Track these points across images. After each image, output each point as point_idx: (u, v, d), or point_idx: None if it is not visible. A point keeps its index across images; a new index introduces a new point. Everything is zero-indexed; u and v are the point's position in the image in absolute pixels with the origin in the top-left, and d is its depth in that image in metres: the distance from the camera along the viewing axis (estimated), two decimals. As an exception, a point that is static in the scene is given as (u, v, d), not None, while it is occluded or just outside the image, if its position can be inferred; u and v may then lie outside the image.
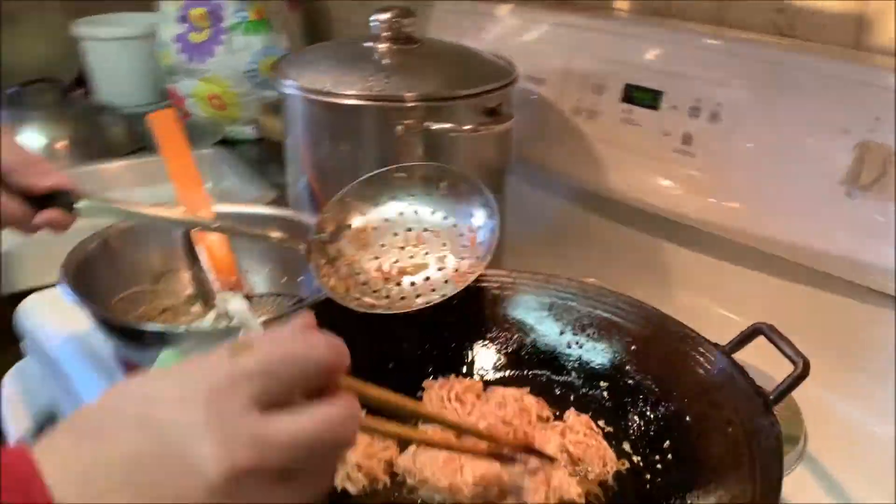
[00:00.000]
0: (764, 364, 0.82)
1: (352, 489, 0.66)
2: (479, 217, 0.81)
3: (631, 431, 0.73)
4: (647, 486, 0.68)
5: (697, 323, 0.94)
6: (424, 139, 0.93)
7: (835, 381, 0.83)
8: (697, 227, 0.98)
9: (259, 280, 0.97)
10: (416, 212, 0.83)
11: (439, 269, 0.80)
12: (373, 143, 0.95)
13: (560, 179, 1.13)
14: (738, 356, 0.77)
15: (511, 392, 0.73)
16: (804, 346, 0.66)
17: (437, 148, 0.94)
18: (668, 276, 1.06)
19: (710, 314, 0.99)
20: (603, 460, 0.69)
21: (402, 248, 0.81)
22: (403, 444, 0.68)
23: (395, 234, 0.82)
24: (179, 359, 0.62)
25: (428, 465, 0.64)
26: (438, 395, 0.72)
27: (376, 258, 0.81)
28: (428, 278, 0.79)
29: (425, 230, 0.82)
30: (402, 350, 0.80)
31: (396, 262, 0.80)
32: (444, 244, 0.81)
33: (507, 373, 0.81)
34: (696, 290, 1.02)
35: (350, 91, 0.91)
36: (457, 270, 0.79)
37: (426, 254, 0.81)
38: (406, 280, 0.79)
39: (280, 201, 1.14)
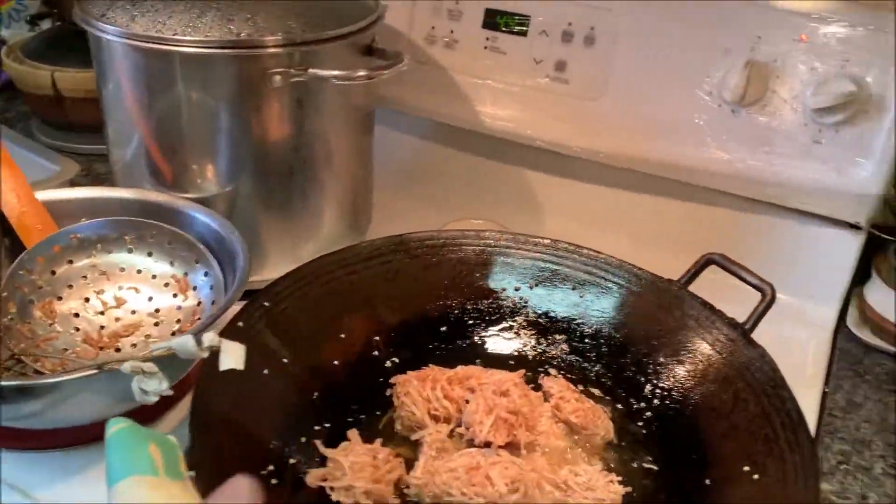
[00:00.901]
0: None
1: None
2: (183, 260, 0.76)
3: (603, 382, 0.72)
4: (647, 427, 0.67)
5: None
6: (296, 89, 0.79)
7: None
8: (575, 154, 0.97)
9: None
10: (102, 273, 0.75)
11: (156, 325, 0.74)
12: (233, 96, 0.78)
13: (423, 117, 1.04)
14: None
15: (499, 375, 0.67)
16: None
17: (308, 98, 0.81)
18: (543, 207, 1.04)
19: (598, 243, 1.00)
20: (604, 422, 0.66)
21: (102, 313, 0.74)
22: (409, 461, 0.60)
23: (87, 300, 0.74)
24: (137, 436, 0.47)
25: (448, 480, 0.57)
26: (421, 394, 0.64)
27: (77, 329, 0.72)
28: (149, 336, 0.73)
29: (120, 288, 0.75)
30: (342, 341, 0.69)
31: (102, 328, 0.72)
32: (151, 298, 0.75)
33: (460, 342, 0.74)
34: (577, 218, 1.02)
35: (205, 37, 0.74)
36: (178, 321, 0.73)
37: (133, 312, 0.74)
38: (125, 343, 0.72)
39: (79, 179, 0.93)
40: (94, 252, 0.75)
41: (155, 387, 0.52)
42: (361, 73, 0.77)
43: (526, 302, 0.76)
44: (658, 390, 0.69)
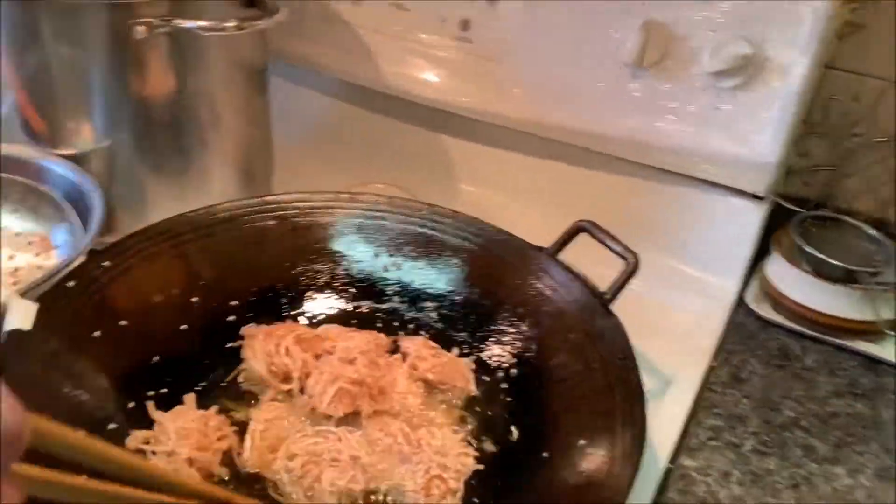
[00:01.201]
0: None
1: None
2: (47, 218, 0.75)
3: (470, 349, 0.70)
4: (507, 396, 0.65)
5: (483, 214, 0.92)
6: (170, 42, 0.76)
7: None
8: (479, 118, 0.94)
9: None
10: None
11: (14, 284, 0.71)
12: (104, 49, 0.75)
13: (326, 75, 1.01)
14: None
15: (356, 339, 0.65)
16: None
17: (185, 52, 0.77)
18: (451, 172, 1.01)
19: (507, 209, 0.97)
20: (461, 372, 0.64)
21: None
22: (242, 429, 0.59)
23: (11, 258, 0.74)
24: None
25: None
26: (264, 348, 0.62)
27: None
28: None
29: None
30: (192, 308, 0.67)
31: None
32: (12, 256, 0.74)
33: (327, 309, 0.72)
34: (484, 184, 0.99)
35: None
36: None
37: None
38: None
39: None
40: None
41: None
42: (230, 23, 0.74)
43: (399, 267, 0.73)
44: (518, 359, 0.67)
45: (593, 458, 0.55)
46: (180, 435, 0.56)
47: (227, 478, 0.56)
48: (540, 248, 0.70)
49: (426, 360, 0.64)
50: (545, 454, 0.58)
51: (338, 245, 0.73)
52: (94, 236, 0.67)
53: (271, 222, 0.72)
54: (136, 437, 0.56)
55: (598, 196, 0.90)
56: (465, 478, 0.57)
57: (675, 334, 0.80)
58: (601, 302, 0.64)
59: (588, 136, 0.88)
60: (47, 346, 0.55)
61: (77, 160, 0.78)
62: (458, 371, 0.64)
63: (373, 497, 0.56)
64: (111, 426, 0.57)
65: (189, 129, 0.82)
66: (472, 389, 0.65)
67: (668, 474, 0.65)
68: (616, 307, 0.64)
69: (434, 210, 0.73)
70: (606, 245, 0.67)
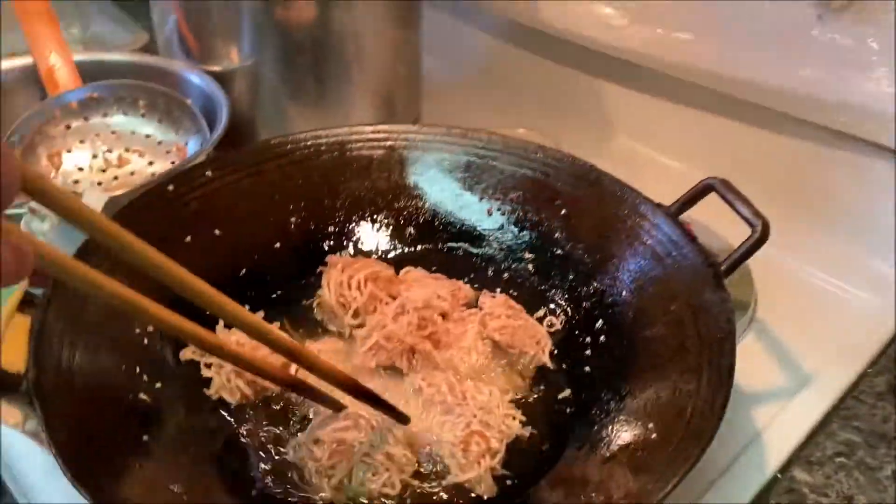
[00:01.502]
0: (719, 224, 0.73)
1: (231, 396, 0.55)
2: (186, 130, 0.77)
3: (560, 311, 0.63)
4: (584, 370, 0.58)
5: (642, 177, 0.83)
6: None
7: (791, 238, 0.73)
8: (643, 63, 0.85)
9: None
10: (113, 132, 0.78)
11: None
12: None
13: (486, 11, 0.96)
14: (691, 215, 0.67)
15: (422, 284, 0.61)
16: (760, 201, 0.56)
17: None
18: (609, 122, 0.93)
19: (657, 166, 0.87)
20: (535, 339, 0.59)
21: (104, 170, 0.76)
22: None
23: (95, 157, 0.77)
24: None
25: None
26: (338, 279, 0.60)
27: (76, 182, 0.75)
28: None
29: (127, 150, 0.77)
30: (289, 228, 0.67)
31: (100, 184, 0.75)
32: (151, 162, 0.77)
33: (419, 247, 0.69)
34: (641, 137, 0.90)
35: None
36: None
37: (132, 174, 0.76)
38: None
39: (151, 47, 0.97)
40: (110, 112, 0.79)
41: (38, 227, 0.53)
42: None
43: (502, 213, 0.68)
44: (610, 326, 0.59)
45: (650, 447, 0.47)
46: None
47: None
48: (659, 205, 0.61)
49: (498, 319, 0.58)
50: (603, 433, 0.51)
51: (442, 182, 0.69)
52: (207, 148, 0.69)
53: (379, 152, 0.69)
54: (190, 348, 0.57)
55: (757, 159, 0.78)
56: (509, 441, 0.52)
57: (826, 326, 0.68)
58: (714, 273, 0.55)
59: (762, 90, 0.75)
60: (148, 231, 0.57)
61: (222, 78, 0.81)
62: (531, 337, 0.58)
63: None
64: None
65: (331, 58, 0.81)
66: (545, 360, 0.58)
67: (772, 485, 0.55)
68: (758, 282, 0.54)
69: (549, 154, 0.67)
70: (734, 208, 0.57)
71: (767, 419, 0.60)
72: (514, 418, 0.53)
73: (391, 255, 0.68)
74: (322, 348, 0.58)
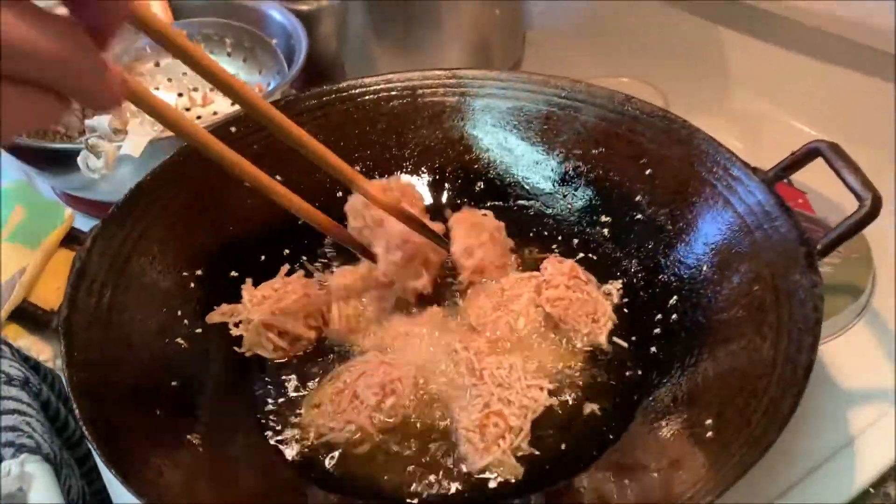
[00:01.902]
0: (832, 189, 0.63)
1: (267, 352, 0.54)
2: (269, 71, 0.77)
3: (634, 282, 0.57)
4: (650, 350, 0.52)
5: (754, 137, 0.75)
6: None
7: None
8: (769, 8, 0.74)
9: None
10: None
11: None
12: None
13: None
14: (806, 181, 0.59)
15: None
16: (882, 169, 0.47)
17: None
18: (725, 75, 0.83)
19: (774, 125, 0.78)
20: (593, 316, 0.53)
21: (188, 109, 0.78)
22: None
23: (180, 95, 0.78)
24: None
25: (316, 418, 0.50)
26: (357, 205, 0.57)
27: None
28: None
29: (211, 89, 0.78)
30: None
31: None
32: (234, 102, 0.71)
33: (488, 203, 0.64)
34: (761, 92, 0.80)
35: None
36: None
37: (214, 113, 0.77)
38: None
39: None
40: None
41: (95, 164, 0.53)
42: None
43: (580, 171, 0.62)
44: (684, 305, 0.53)
45: (709, 441, 0.41)
46: (253, 302, 0.54)
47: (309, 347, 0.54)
48: (755, 169, 0.53)
49: (555, 290, 0.53)
50: (663, 421, 0.45)
51: (519, 135, 0.63)
52: (280, 87, 0.67)
53: (452, 99, 0.65)
54: (218, 311, 0.55)
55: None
56: (535, 415, 0.47)
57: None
58: (807, 252, 0.47)
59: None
60: (195, 181, 0.56)
61: (308, 18, 0.78)
62: (588, 314, 0.53)
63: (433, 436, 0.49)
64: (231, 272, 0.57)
65: (422, 1, 0.77)
66: (601, 340, 0.53)
67: (862, 499, 0.47)
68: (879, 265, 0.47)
69: (638, 107, 0.60)
70: (841, 177, 0.48)
71: (866, 424, 0.52)
72: (540, 388, 0.48)
73: (458, 210, 0.64)
74: (347, 282, 0.55)
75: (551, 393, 0.49)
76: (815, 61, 0.75)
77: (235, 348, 0.54)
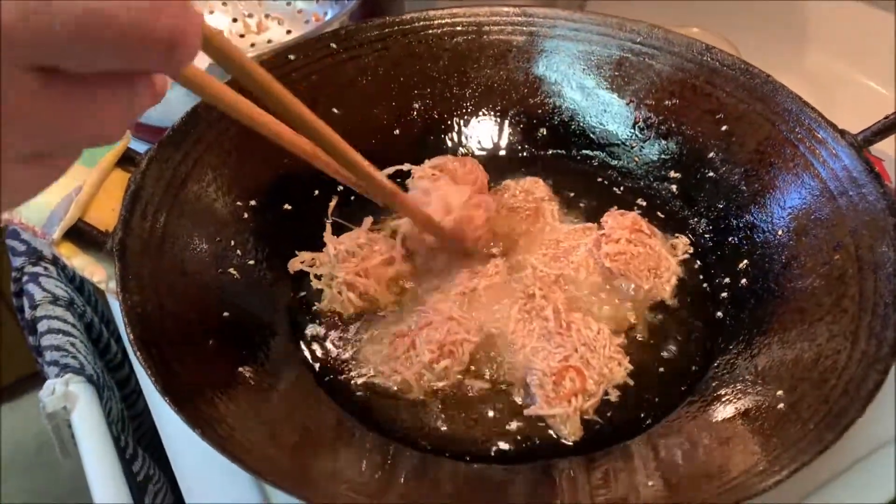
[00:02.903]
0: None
1: (344, 310, 0.52)
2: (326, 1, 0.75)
3: (701, 243, 0.55)
4: (716, 316, 0.50)
5: (829, 98, 0.71)
6: None
7: None
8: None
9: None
10: None
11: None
12: None
13: None
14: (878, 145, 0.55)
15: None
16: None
17: None
18: (800, 30, 0.79)
19: (850, 85, 0.74)
20: (656, 271, 0.51)
21: (242, 35, 0.76)
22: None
23: (235, 21, 0.77)
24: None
25: (370, 356, 0.49)
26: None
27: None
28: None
29: (267, 16, 0.77)
30: (411, 114, 0.62)
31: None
32: (289, 31, 0.76)
33: (550, 151, 0.62)
34: (836, 50, 0.76)
35: None
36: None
37: (269, 41, 0.75)
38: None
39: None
40: (254, -21, 0.76)
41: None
42: None
43: (651, 124, 0.59)
44: (755, 269, 0.50)
45: (775, 419, 0.39)
46: (339, 258, 0.52)
47: (392, 309, 0.52)
48: (843, 132, 0.50)
49: (615, 244, 0.51)
50: (722, 392, 0.44)
51: (588, 80, 0.60)
52: (339, 17, 0.65)
53: (520, 38, 0.62)
54: (300, 257, 0.53)
55: None
56: (609, 387, 0.46)
57: None
58: (894, 227, 0.44)
59: None
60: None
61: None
62: (650, 269, 0.50)
63: (493, 370, 0.47)
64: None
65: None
66: (664, 294, 0.51)
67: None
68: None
69: (717, 58, 0.56)
70: (940, 145, 0.45)
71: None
72: (619, 364, 0.47)
73: (519, 156, 0.62)
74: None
75: (629, 373, 0.47)
76: (890, 14, 0.70)
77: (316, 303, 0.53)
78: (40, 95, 0.22)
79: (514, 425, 0.45)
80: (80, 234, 0.46)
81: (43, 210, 0.45)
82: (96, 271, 0.46)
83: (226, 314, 0.47)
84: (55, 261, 0.74)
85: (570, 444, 0.44)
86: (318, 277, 0.53)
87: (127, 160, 0.49)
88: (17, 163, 0.23)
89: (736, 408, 0.42)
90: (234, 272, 0.50)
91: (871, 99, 0.72)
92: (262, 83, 0.33)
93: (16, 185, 0.24)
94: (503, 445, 0.44)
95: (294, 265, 0.53)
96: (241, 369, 0.44)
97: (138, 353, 0.39)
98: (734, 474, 0.36)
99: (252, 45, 0.74)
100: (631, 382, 0.46)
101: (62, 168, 0.25)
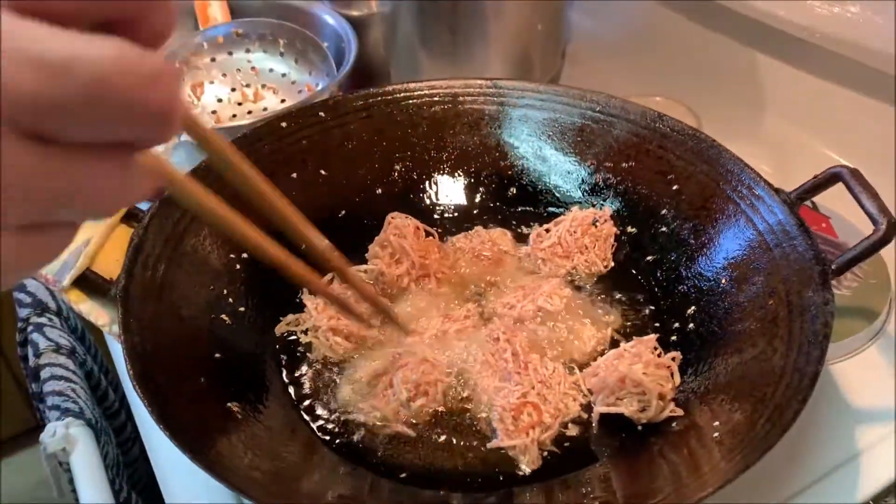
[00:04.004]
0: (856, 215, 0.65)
1: (335, 354, 0.56)
2: (319, 72, 0.80)
3: (655, 290, 0.60)
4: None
5: (785, 162, 0.77)
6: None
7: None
8: (806, 37, 0.76)
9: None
10: (253, 69, 0.83)
11: None
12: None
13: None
14: (827, 203, 0.61)
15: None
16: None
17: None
18: (759, 99, 0.85)
19: (805, 151, 0.79)
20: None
21: (240, 104, 0.82)
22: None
23: (233, 90, 0.82)
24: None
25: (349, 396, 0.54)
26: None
27: (213, 112, 0.81)
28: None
29: (263, 86, 0.82)
30: (392, 175, 0.67)
31: (234, 116, 0.81)
32: (283, 100, 0.81)
33: (519, 208, 0.67)
34: (793, 118, 0.82)
35: None
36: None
37: (264, 109, 0.80)
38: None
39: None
40: (252, 49, 0.83)
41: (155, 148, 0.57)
42: None
43: (609, 184, 0.65)
44: (701, 315, 0.55)
45: (707, 448, 0.44)
46: (318, 310, 0.57)
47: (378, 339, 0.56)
48: (778, 190, 0.55)
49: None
50: (669, 425, 0.48)
51: (553, 144, 0.66)
52: (328, 87, 0.71)
53: (492, 108, 0.68)
54: (286, 320, 0.58)
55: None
56: (564, 421, 0.50)
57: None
58: (822, 270, 0.49)
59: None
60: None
61: (359, 23, 0.82)
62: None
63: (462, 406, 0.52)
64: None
65: (468, 13, 0.80)
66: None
67: (863, 511, 0.50)
68: None
69: (669, 125, 0.62)
70: (859, 201, 0.51)
71: (870, 441, 0.53)
72: (574, 399, 0.51)
73: (489, 213, 0.67)
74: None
75: (582, 406, 0.51)
76: (847, 90, 0.76)
77: (276, 330, 0.57)
78: (39, 162, 0.22)
79: (480, 457, 0.49)
80: (88, 282, 0.51)
81: (55, 260, 0.50)
82: (101, 315, 0.51)
83: (217, 355, 0.52)
84: (59, 312, 0.79)
85: (528, 473, 0.48)
86: (305, 332, 0.57)
87: (131, 216, 0.55)
88: (12, 233, 0.23)
89: (678, 436, 0.47)
90: (226, 318, 0.55)
91: (824, 163, 0.78)
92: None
93: (10, 257, 0.23)
94: (471, 475, 0.49)
95: (280, 329, 0.58)
96: (229, 404, 0.48)
97: (137, 388, 0.44)
98: (666, 492, 0.40)
99: (249, 112, 0.81)
100: (586, 416, 0.51)
101: (56, 244, 0.25)
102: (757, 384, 0.46)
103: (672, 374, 0.50)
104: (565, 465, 0.48)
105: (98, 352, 0.85)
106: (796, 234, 0.52)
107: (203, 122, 0.32)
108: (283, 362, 0.56)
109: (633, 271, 0.61)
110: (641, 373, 0.48)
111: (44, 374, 0.73)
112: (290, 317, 0.58)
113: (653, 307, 0.59)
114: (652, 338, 0.52)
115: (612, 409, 0.49)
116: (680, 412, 0.49)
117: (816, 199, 0.70)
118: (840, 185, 0.54)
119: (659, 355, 0.51)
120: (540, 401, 0.49)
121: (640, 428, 0.50)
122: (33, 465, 0.64)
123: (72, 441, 0.65)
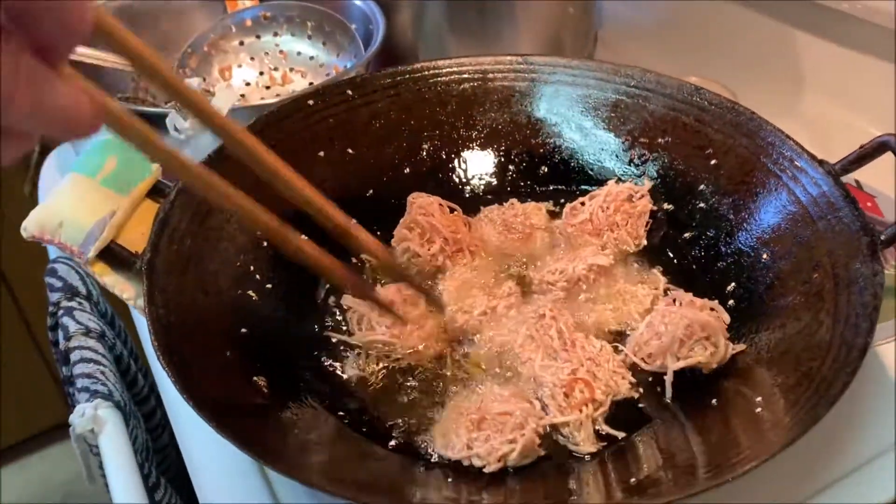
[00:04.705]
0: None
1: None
2: (346, 54, 0.80)
3: (694, 268, 0.58)
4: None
5: (824, 141, 0.74)
6: None
7: None
8: (844, 10, 0.74)
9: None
10: (281, 52, 0.82)
11: None
12: None
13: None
14: (868, 180, 0.58)
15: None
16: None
17: None
18: (796, 77, 0.83)
19: (845, 127, 0.77)
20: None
21: (268, 87, 0.82)
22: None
23: (261, 74, 0.82)
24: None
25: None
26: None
27: (242, 96, 0.81)
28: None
29: (291, 69, 0.82)
30: (420, 154, 0.66)
31: (262, 100, 0.79)
32: (311, 83, 0.80)
33: (551, 187, 0.66)
34: (832, 94, 0.79)
35: None
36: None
37: (292, 93, 0.76)
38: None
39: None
40: (280, 32, 0.82)
41: (182, 125, 0.57)
42: None
43: (645, 159, 0.63)
44: (743, 289, 0.53)
45: (753, 423, 0.42)
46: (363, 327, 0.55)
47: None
48: (821, 161, 0.53)
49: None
50: (713, 400, 0.46)
51: (585, 121, 0.65)
52: (356, 67, 0.70)
53: (522, 84, 0.66)
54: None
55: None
56: (615, 398, 0.48)
57: None
58: (870, 242, 0.47)
59: None
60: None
61: (387, 6, 0.81)
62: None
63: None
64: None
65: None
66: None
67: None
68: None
69: (706, 98, 0.60)
70: (909, 170, 0.48)
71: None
72: (623, 378, 0.50)
73: (520, 191, 0.66)
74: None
75: (632, 385, 0.50)
76: (886, 63, 0.74)
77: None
78: None
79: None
80: (113, 255, 0.51)
81: (80, 231, 0.50)
82: (126, 289, 0.50)
83: (243, 330, 0.51)
84: (89, 296, 0.79)
85: (584, 451, 0.46)
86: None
87: (157, 192, 0.54)
88: None
89: (719, 412, 0.45)
90: (252, 294, 0.54)
91: (864, 139, 0.75)
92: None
93: None
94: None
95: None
96: (255, 378, 0.47)
97: (161, 359, 0.43)
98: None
99: (277, 95, 0.80)
100: (636, 395, 0.49)
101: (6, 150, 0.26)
102: (802, 358, 0.44)
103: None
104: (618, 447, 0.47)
105: (128, 337, 0.85)
106: (842, 206, 0.50)
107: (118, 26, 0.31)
108: (313, 338, 0.55)
109: (671, 248, 0.59)
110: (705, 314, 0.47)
111: (73, 356, 0.73)
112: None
113: (689, 285, 0.57)
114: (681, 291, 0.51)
115: (689, 362, 0.48)
116: (742, 347, 0.49)
117: (861, 178, 0.68)
118: (887, 165, 0.51)
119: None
120: (590, 377, 0.48)
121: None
122: (68, 458, 0.63)
123: (100, 422, 0.64)
